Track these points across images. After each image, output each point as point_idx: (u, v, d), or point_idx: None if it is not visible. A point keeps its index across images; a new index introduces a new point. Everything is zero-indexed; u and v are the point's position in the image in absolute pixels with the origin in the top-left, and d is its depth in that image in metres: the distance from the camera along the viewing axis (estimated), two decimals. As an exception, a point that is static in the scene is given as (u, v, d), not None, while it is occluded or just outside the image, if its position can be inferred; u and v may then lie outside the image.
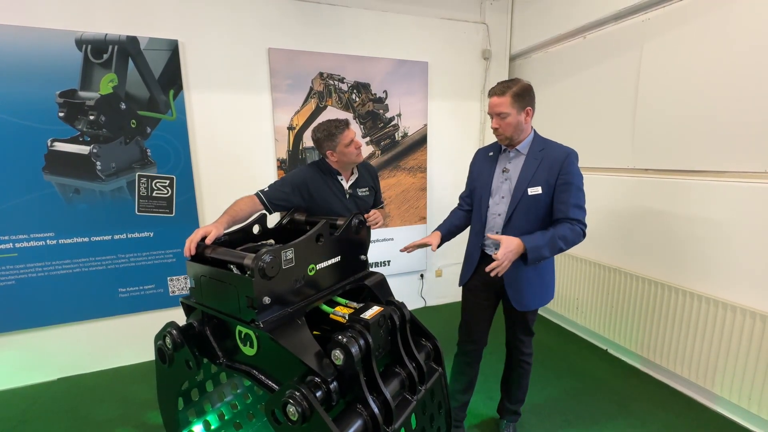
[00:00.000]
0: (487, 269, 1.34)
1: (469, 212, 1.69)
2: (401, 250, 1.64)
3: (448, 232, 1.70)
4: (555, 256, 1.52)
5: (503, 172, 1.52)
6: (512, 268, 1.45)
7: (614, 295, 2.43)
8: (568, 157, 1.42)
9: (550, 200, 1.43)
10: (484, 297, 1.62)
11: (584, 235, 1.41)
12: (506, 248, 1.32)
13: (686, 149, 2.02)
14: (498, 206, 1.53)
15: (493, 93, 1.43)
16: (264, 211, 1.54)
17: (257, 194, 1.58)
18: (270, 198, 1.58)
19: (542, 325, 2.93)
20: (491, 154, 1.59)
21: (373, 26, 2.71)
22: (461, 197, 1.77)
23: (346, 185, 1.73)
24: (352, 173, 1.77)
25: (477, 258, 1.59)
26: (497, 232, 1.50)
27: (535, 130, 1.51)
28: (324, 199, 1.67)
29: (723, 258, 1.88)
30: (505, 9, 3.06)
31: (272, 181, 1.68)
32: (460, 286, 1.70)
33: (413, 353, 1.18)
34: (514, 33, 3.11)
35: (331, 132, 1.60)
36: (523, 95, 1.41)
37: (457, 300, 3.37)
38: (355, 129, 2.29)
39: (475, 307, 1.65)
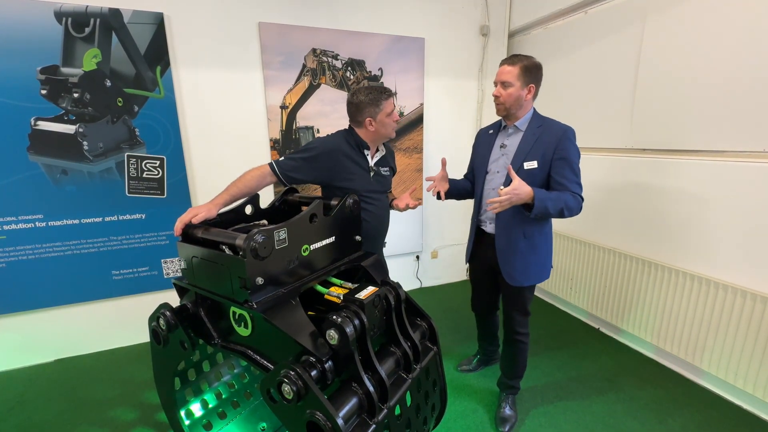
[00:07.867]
0: (489, 201, 1.34)
1: (473, 185, 1.72)
2: (427, 190, 1.64)
3: (454, 185, 1.71)
4: (550, 237, 1.58)
5: (501, 147, 1.55)
6: (506, 243, 1.49)
7: (608, 275, 2.45)
8: (565, 133, 1.42)
9: (546, 175, 1.44)
10: (481, 271, 1.74)
11: (581, 208, 1.43)
12: (513, 188, 1.28)
13: (686, 129, 1.99)
14: (494, 180, 1.57)
15: (504, 62, 1.44)
16: (266, 187, 1.45)
17: (270, 165, 1.43)
18: (284, 169, 1.43)
19: (536, 305, 2.97)
20: (491, 132, 1.63)
21: (368, 0, 2.61)
22: (465, 176, 1.85)
23: (371, 161, 1.59)
24: (378, 149, 1.62)
25: (474, 234, 1.67)
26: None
27: (534, 109, 1.53)
28: (347, 172, 1.51)
29: (719, 238, 1.89)
30: (504, -18, 2.96)
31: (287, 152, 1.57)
32: (466, 263, 1.80)
33: (408, 332, 1.18)
34: (513, 8, 3.01)
35: (376, 97, 1.47)
36: (531, 71, 1.42)
37: (452, 281, 3.42)
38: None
39: (475, 280, 1.82)
